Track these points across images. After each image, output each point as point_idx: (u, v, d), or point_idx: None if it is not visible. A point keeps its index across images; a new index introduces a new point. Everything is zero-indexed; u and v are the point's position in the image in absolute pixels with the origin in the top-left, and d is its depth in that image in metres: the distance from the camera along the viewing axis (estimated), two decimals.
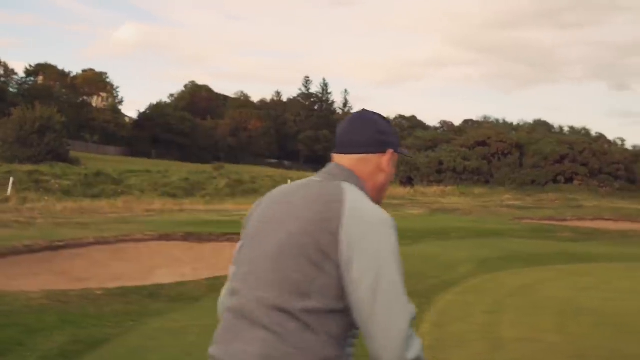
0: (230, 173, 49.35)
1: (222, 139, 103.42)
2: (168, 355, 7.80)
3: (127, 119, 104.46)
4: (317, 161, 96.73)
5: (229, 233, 18.97)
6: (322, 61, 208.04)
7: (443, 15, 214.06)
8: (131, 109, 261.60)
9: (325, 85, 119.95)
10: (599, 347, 9.98)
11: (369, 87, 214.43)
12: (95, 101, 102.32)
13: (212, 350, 1.97)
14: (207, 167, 58.75)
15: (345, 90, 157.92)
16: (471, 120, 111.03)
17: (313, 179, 2.09)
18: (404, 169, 54.88)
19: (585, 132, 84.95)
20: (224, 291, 2.17)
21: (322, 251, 1.83)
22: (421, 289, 14.64)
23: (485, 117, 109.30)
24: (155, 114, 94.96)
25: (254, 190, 42.32)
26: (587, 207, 42.07)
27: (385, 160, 2.16)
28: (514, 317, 12.09)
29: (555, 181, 50.46)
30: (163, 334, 8.79)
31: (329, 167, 2.14)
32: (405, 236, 24.13)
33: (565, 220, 36.39)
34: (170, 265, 16.23)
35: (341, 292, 1.85)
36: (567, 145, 51.90)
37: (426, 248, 20.96)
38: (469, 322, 11.38)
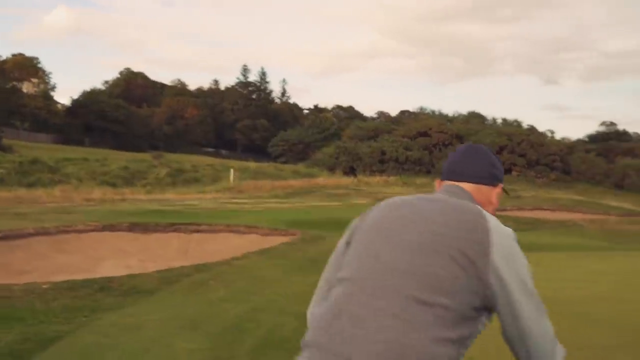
0: (170, 162, 48.28)
1: (158, 127, 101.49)
2: (125, 352, 7.27)
3: (59, 106, 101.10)
4: (254, 150, 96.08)
5: (176, 223, 18.38)
6: (261, 50, 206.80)
7: (380, 7, 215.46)
8: (64, 96, 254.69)
9: (263, 74, 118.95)
10: (566, 340, 9.88)
11: (308, 77, 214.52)
12: (26, 87, 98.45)
13: (315, 337, 2.00)
14: (146, 156, 57.41)
15: (284, 80, 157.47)
16: (408, 111, 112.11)
17: (435, 195, 2.21)
18: (346, 158, 54.85)
19: (517, 124, 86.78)
20: (313, 303, 2.31)
21: (466, 256, 1.87)
22: None
23: (421, 109, 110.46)
24: (88, 101, 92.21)
25: (196, 180, 41.51)
26: (525, 197, 42.88)
27: (495, 194, 2.29)
28: None
29: None
30: (118, 330, 8.24)
31: (448, 187, 2.25)
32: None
33: (505, 210, 36.92)
34: (116, 256, 15.56)
35: (479, 301, 1.90)
36: (506, 137, 52.88)
37: None
38: None
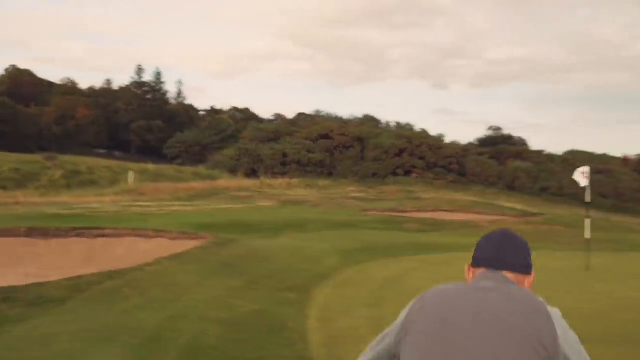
0: (64, 163, 46.05)
1: (48, 127, 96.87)
2: None
3: None
4: (150, 151, 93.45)
5: (78, 228, 17.43)
6: (156, 50, 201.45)
7: (278, 10, 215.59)
8: None
9: (158, 75, 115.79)
10: None
11: (204, 78, 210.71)
12: None
13: None
14: (37, 157, 54.47)
15: (179, 81, 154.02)
16: (304, 114, 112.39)
17: (489, 284, 2.24)
18: (247, 160, 54.34)
19: (409, 128, 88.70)
20: None
21: (544, 346, 1.99)
22: (299, 283, 14.19)
23: (318, 111, 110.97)
24: None
25: (92, 182, 39.86)
26: (425, 199, 43.94)
27: (528, 282, 2.34)
28: (396, 309, 11.92)
29: (394, 174, 52.33)
30: (28, 343, 7.61)
31: (495, 275, 2.28)
32: (265, 229, 23.62)
33: (406, 211, 37.69)
34: (13, 264, 14.55)
35: None
36: (405, 139, 54.00)
37: (289, 241, 20.59)
38: (355, 317, 11.07)
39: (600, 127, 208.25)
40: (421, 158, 52.78)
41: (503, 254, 2.31)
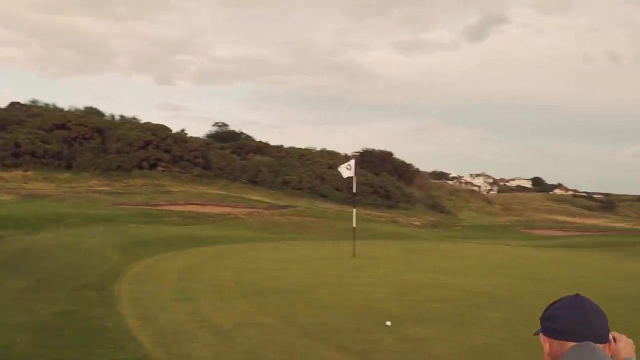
0: None
1: None
2: None
3: None
4: None
5: None
6: None
7: None
8: None
9: None
10: (319, 323, 10.26)
11: None
12: None
13: None
14: None
15: None
16: (19, 103, 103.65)
17: None
18: None
19: (132, 122, 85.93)
20: None
21: None
22: (93, 280, 13.16)
23: (34, 101, 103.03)
24: None
25: None
26: (175, 192, 43.27)
27: (609, 349, 2.27)
28: (209, 301, 11.69)
29: (140, 167, 50.53)
30: None
31: (598, 352, 2.20)
32: (24, 224, 21.36)
33: (159, 205, 36.83)
34: None
35: None
36: (150, 132, 52.43)
37: (59, 237, 18.99)
38: (173, 312, 10.61)
39: (316, 126, 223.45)
40: (167, 151, 51.70)
41: (597, 325, 2.20)
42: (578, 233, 52.34)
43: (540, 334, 2.30)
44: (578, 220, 79.88)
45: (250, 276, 15.37)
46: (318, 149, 77.72)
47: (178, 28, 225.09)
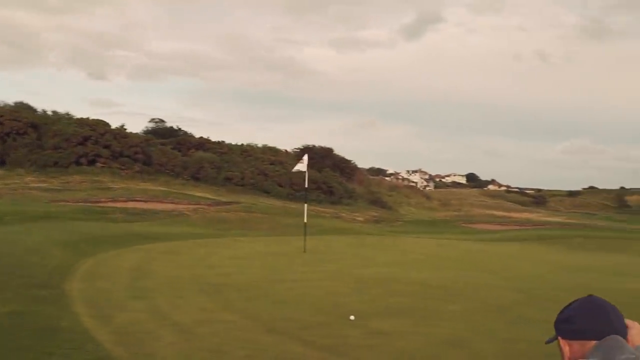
0: None
1: None
2: None
3: None
4: None
5: None
6: None
7: None
8: None
9: None
10: (282, 319, 10.13)
11: None
12: None
13: None
14: None
15: None
16: None
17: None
18: None
19: (69, 117, 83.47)
20: None
21: None
22: (43, 279, 12.65)
23: None
24: None
25: None
26: (116, 188, 42.24)
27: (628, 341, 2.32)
28: (167, 299, 11.42)
29: (78, 163, 49.10)
30: None
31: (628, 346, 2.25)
32: None
33: (100, 202, 35.90)
34: None
35: None
36: (89, 127, 50.96)
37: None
38: (132, 310, 10.28)
39: (255, 123, 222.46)
40: (106, 147, 50.32)
41: (615, 322, 2.27)
42: (516, 227, 53.72)
43: (559, 339, 2.30)
44: (513, 214, 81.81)
45: (205, 273, 15.09)
46: (259, 145, 77.27)
47: (113, 22, 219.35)
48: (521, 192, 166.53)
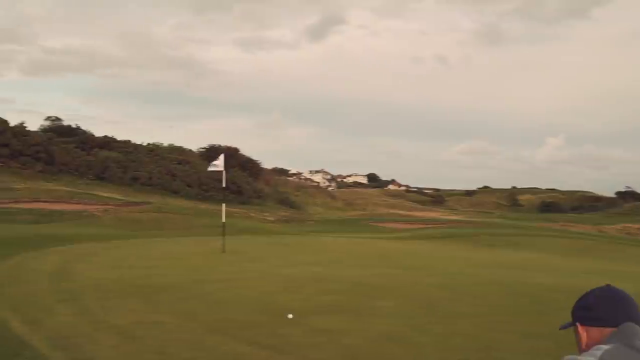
0: None
1: None
2: None
3: None
4: None
5: None
6: None
7: None
8: None
9: None
10: (220, 319, 10.10)
11: None
12: None
13: None
14: None
15: None
16: None
17: None
18: None
19: None
20: None
21: None
22: None
23: None
24: None
25: None
26: (19, 189, 40.39)
27: None
28: (98, 302, 11.14)
29: None
30: None
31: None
32: None
33: (3, 203, 34.25)
34: None
35: None
36: None
37: None
38: (61, 315, 9.97)
39: (157, 122, 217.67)
40: (5, 145, 47.99)
41: (630, 311, 2.45)
42: (422, 226, 55.17)
43: (577, 325, 2.49)
44: (416, 213, 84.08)
45: (128, 274, 14.74)
46: (165, 144, 75.79)
47: (5, 16, 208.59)
48: (420, 191, 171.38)
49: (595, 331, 2.45)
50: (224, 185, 25.18)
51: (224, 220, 22.98)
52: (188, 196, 56.01)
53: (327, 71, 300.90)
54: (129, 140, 67.02)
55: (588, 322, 2.46)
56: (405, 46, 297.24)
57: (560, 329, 2.63)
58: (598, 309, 2.44)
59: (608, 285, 2.51)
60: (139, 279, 14.08)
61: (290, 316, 10.09)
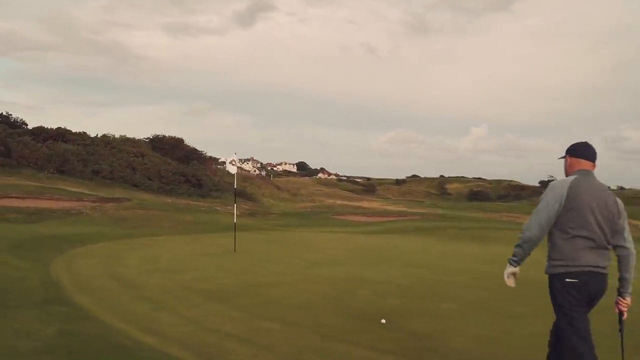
0: None
1: None
2: None
3: None
4: None
5: None
6: None
7: None
8: None
9: None
10: (324, 325, 10.37)
11: None
12: None
13: (591, 262, 5.28)
14: None
15: None
16: None
17: (596, 179, 5.54)
18: None
19: None
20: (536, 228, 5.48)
21: (620, 214, 5.49)
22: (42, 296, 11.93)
23: None
24: None
25: None
26: None
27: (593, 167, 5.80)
28: (189, 310, 11.30)
29: None
30: None
31: (591, 173, 5.55)
32: None
33: None
34: None
35: None
36: None
37: None
38: (176, 325, 10.11)
39: (78, 108, 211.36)
40: None
41: (592, 154, 5.53)
42: (383, 219, 55.89)
43: (566, 156, 5.63)
44: (365, 204, 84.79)
45: (179, 277, 14.80)
46: (117, 135, 74.19)
47: None
48: (352, 180, 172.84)
49: (575, 161, 5.57)
50: (235, 186, 25.20)
51: (235, 220, 23.17)
52: (150, 190, 55.26)
53: (255, 58, 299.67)
54: (85, 132, 65.60)
55: (573, 154, 5.60)
56: (334, 35, 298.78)
57: (558, 158, 5.77)
58: (579, 149, 5.60)
59: (586, 142, 5.56)
60: (194, 282, 14.12)
61: (383, 321, 10.43)
